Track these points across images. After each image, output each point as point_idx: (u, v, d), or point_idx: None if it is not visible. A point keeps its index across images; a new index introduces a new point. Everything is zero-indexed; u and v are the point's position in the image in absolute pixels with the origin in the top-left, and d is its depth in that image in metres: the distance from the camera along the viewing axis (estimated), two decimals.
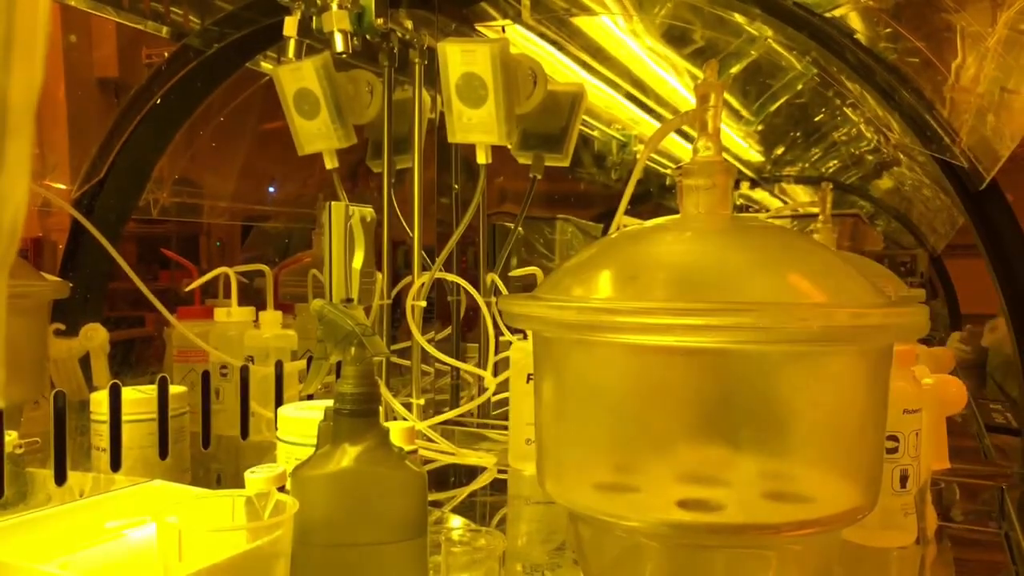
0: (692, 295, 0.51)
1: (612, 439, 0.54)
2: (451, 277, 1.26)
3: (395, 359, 1.28)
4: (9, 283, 0.29)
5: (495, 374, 1.14)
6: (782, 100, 1.76)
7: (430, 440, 1.09)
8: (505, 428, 1.08)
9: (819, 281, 0.52)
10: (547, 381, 0.58)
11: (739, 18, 1.23)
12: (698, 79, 0.59)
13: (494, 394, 1.18)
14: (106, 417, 0.87)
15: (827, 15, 1.12)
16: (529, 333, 0.97)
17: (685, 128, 0.60)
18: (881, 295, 0.53)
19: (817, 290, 0.51)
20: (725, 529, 0.50)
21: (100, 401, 0.88)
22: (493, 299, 1.27)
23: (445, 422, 1.18)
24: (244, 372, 1.05)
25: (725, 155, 0.58)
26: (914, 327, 0.51)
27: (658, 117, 1.96)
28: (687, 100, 1.74)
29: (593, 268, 0.57)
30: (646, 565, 0.52)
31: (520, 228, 1.34)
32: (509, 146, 1.15)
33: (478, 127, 1.07)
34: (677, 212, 0.59)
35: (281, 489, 0.55)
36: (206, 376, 1.03)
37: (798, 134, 2.37)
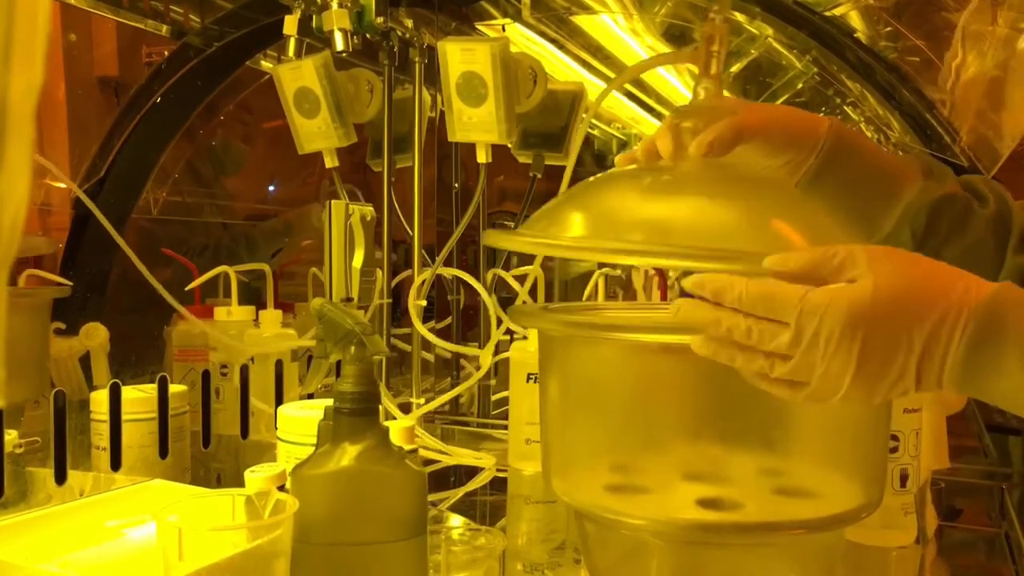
0: (669, 240, 0.49)
1: (620, 438, 0.54)
2: (451, 271, 1.26)
3: (396, 343, 1.27)
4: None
5: (495, 369, 1.13)
6: (782, 99, 1.75)
7: (427, 441, 1.09)
8: (505, 428, 1.08)
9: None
10: (553, 379, 0.58)
11: (739, 17, 1.23)
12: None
13: (493, 390, 1.17)
14: (106, 416, 0.87)
15: (827, 14, 1.12)
16: (533, 332, 0.97)
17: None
18: None
19: None
20: (745, 528, 0.49)
21: (100, 400, 0.88)
22: (494, 297, 1.27)
23: (445, 422, 1.18)
24: (244, 372, 1.05)
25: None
26: None
27: (658, 116, 1.95)
28: (687, 99, 1.73)
29: (572, 209, 0.55)
30: (654, 563, 0.52)
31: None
32: (509, 145, 1.15)
33: (478, 126, 1.07)
34: None
35: (281, 488, 0.56)
36: (206, 375, 1.03)
37: None
